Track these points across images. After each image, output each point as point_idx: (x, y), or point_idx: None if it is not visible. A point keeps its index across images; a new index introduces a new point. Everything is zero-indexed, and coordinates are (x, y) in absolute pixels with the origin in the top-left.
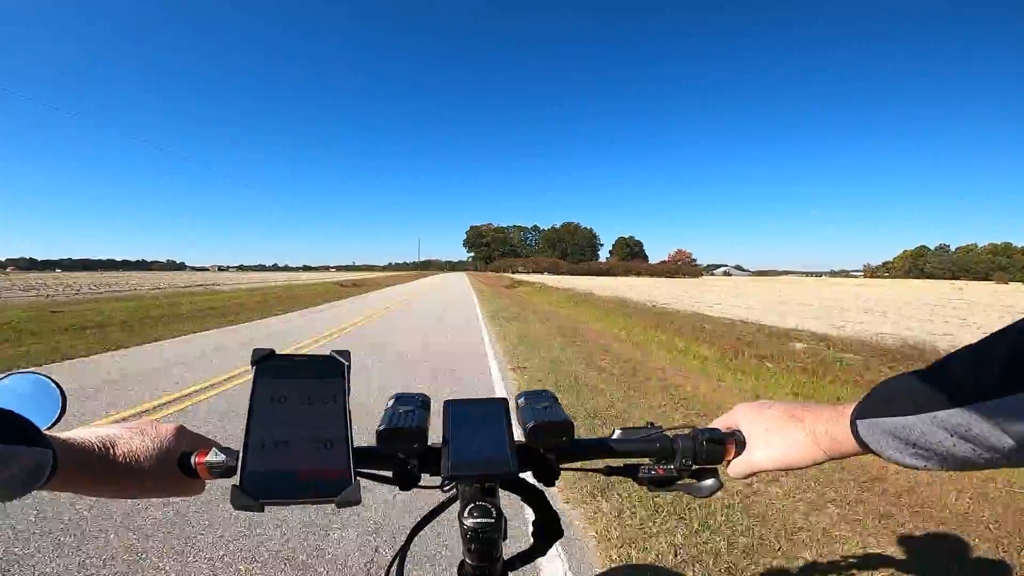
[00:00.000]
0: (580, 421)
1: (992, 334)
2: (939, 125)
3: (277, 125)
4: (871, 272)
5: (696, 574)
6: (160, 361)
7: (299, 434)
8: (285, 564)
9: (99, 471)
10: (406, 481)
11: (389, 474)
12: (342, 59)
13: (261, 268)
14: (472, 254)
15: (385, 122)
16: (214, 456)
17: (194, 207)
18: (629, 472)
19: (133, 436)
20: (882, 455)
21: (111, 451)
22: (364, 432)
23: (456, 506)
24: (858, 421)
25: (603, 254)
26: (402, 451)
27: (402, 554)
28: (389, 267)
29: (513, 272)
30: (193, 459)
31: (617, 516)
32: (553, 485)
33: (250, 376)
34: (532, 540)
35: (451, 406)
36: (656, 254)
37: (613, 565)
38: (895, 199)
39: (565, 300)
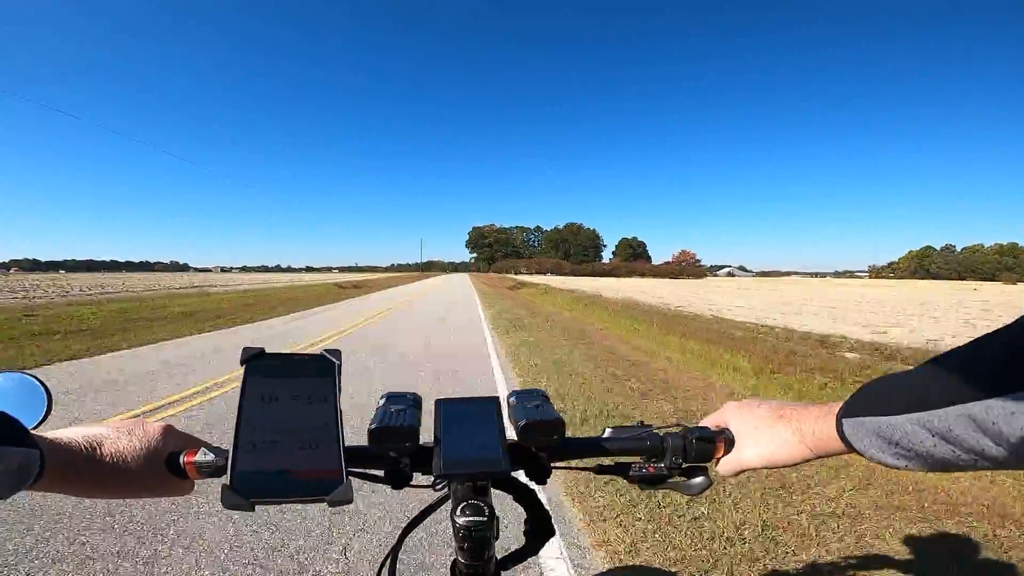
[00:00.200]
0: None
1: (979, 338)
2: (943, 125)
3: (279, 126)
4: (876, 273)
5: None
6: (112, 374)
7: (290, 433)
8: None
9: (86, 471)
10: (398, 480)
11: (381, 473)
12: (344, 59)
13: (264, 269)
14: (474, 255)
15: (387, 122)
16: (203, 456)
17: (198, 208)
18: (620, 470)
19: (120, 436)
20: (865, 454)
21: (98, 451)
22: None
23: (448, 505)
24: (844, 420)
25: (606, 255)
26: (394, 450)
27: (394, 554)
28: (392, 268)
29: (516, 273)
30: (182, 459)
31: None
32: (545, 483)
33: (212, 397)
34: (524, 539)
35: (443, 405)
36: (659, 255)
37: (613, 566)
38: (898, 199)
39: (573, 303)
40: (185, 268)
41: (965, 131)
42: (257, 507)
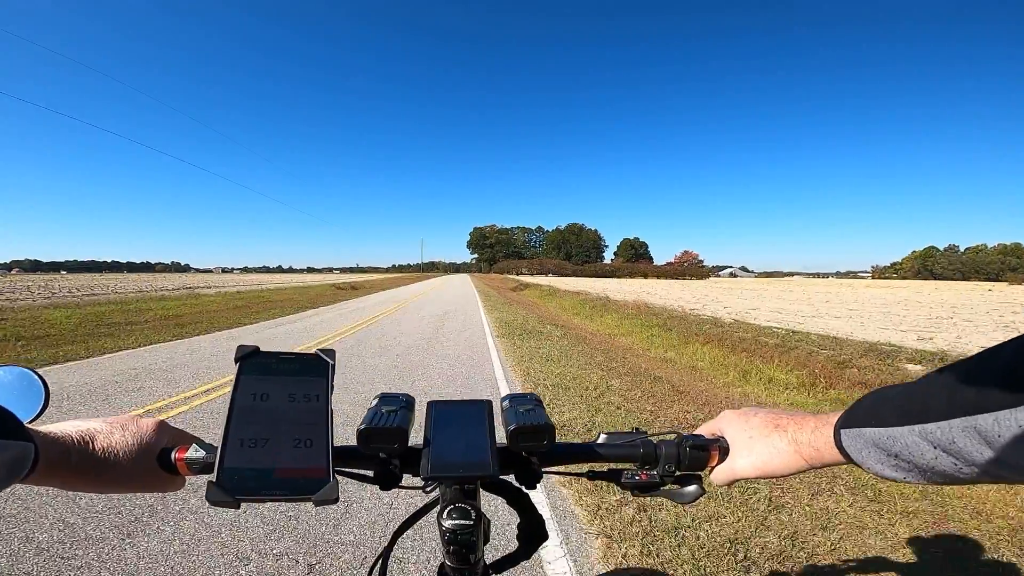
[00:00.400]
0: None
1: (987, 349)
2: (944, 125)
3: (280, 127)
4: (879, 273)
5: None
6: (53, 388)
7: (280, 432)
8: None
9: (79, 465)
10: (387, 481)
11: (370, 474)
12: (346, 62)
13: (266, 270)
14: (475, 256)
15: (388, 123)
16: (194, 452)
17: (201, 210)
18: (612, 477)
19: (113, 430)
20: (863, 465)
21: (91, 445)
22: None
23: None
24: (842, 431)
25: (608, 255)
26: (383, 451)
27: (385, 556)
28: (393, 269)
29: (517, 274)
30: (173, 455)
31: None
32: (535, 488)
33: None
34: (517, 544)
35: (434, 407)
36: (660, 255)
37: (613, 567)
38: (899, 200)
39: (580, 306)
40: (186, 269)
41: (967, 131)
42: (242, 504)
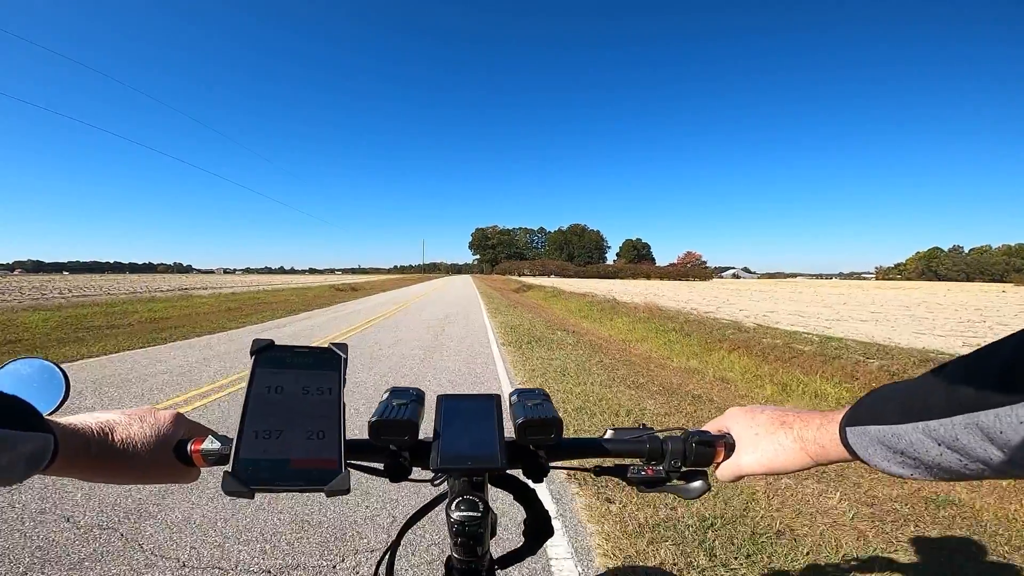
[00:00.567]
0: None
1: (986, 346)
2: (947, 125)
3: (281, 128)
4: (883, 274)
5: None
6: None
7: (293, 424)
8: None
9: (98, 457)
10: (396, 473)
11: (380, 466)
12: (346, 62)
13: (267, 271)
14: (477, 257)
15: (388, 123)
16: (210, 444)
17: (202, 211)
18: (619, 472)
19: (132, 422)
20: (869, 463)
21: (109, 437)
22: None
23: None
24: (847, 428)
25: (610, 256)
26: (393, 443)
27: (392, 550)
28: (394, 270)
29: (519, 275)
30: (189, 446)
31: None
32: (542, 481)
33: None
34: (523, 539)
35: (443, 400)
36: (662, 256)
37: (614, 566)
38: (901, 200)
39: (587, 308)
40: (189, 270)
41: (970, 131)
42: (256, 494)
